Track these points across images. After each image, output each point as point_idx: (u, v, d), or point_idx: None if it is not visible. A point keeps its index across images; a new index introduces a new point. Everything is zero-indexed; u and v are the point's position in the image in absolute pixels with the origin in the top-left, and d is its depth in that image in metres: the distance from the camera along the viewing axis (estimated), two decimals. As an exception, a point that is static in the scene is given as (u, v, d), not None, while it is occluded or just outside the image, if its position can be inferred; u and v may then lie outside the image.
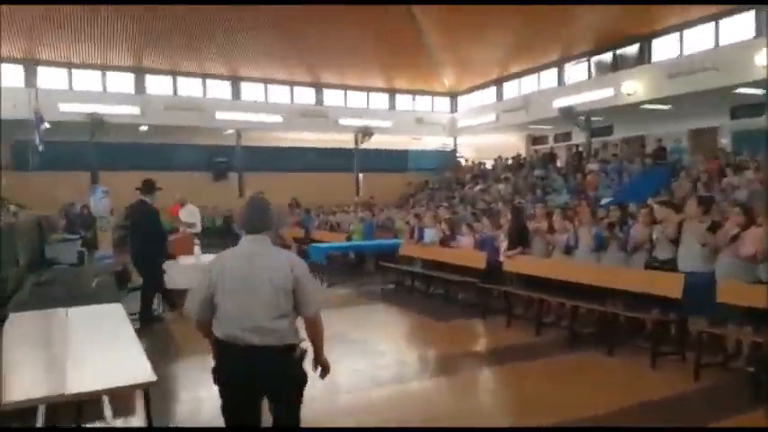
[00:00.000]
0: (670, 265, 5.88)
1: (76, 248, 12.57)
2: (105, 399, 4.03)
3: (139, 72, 19.82)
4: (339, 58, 21.66)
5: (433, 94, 25.53)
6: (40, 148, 11.79)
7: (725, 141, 16.18)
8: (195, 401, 4.87)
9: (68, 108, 17.74)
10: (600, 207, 9.34)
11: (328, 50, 20.92)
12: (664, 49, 16.80)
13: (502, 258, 7.94)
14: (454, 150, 26.44)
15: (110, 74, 19.52)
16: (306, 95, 23.05)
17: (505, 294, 7.59)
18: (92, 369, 3.32)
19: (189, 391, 5.18)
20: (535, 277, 7.28)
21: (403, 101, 25.19)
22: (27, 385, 2.99)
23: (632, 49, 17.82)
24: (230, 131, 21.13)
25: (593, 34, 17.85)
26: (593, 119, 18.12)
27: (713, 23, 15.25)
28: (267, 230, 2.89)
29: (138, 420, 4.22)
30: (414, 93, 25.22)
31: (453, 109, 25.92)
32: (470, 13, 18.09)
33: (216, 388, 2.85)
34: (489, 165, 23.12)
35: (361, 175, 22.69)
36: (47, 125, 17.38)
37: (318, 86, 23.11)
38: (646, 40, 17.25)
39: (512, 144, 24.82)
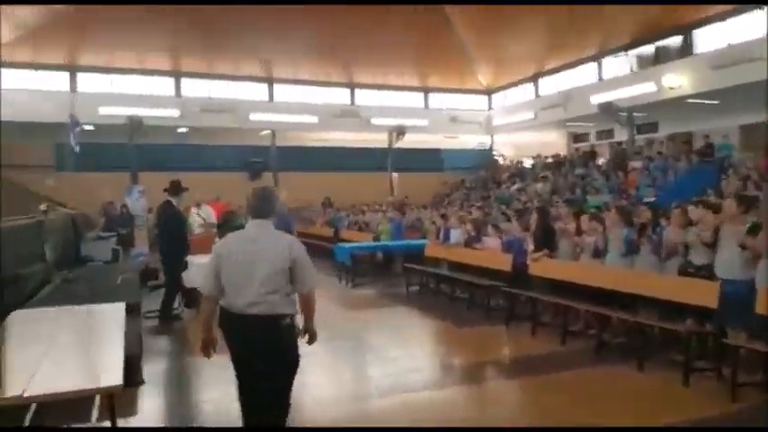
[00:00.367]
0: (706, 272, 5.41)
1: (111, 246, 12.91)
2: (97, 399, 3.96)
3: (177, 75, 20.24)
4: (373, 58, 21.56)
5: (469, 91, 25.10)
6: (76, 149, 12.10)
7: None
8: (194, 400, 4.80)
9: (109, 111, 18.27)
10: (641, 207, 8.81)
11: (362, 50, 20.84)
12: (708, 39, 15.89)
13: (529, 261, 7.60)
14: (491, 149, 25.91)
15: (149, 78, 20.05)
16: (339, 95, 23.04)
17: (531, 300, 7.23)
18: (62, 371, 3.24)
19: (191, 389, 5.18)
20: (562, 282, 6.91)
21: (437, 99, 24.87)
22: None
23: (674, 41, 16.95)
24: (266, 132, 21.31)
25: (632, 26, 17.09)
26: (637, 115, 17.34)
27: (762, 11, 14.28)
28: (270, 216, 3.27)
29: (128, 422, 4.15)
30: (448, 91, 24.85)
31: (489, 107, 25.39)
32: (506, 9, 17.65)
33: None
34: (528, 164, 22.52)
35: (395, 175, 22.50)
36: (88, 127, 17.99)
37: (352, 86, 23.05)
38: (688, 31, 16.37)
39: (552, 142, 24.12)
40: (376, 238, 12.47)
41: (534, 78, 22.53)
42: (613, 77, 18.55)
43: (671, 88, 15.36)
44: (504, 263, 8.02)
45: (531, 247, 7.73)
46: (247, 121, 20.58)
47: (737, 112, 15.52)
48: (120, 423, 4.33)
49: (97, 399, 3.95)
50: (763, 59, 12.66)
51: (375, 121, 22.58)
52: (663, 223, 6.42)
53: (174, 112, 19.56)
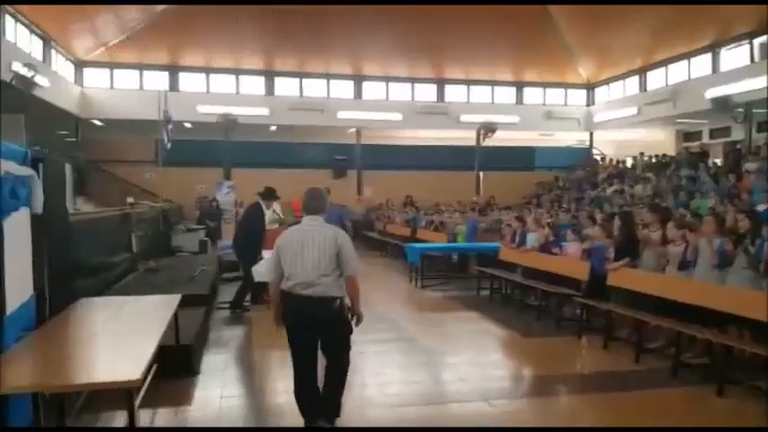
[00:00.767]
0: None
1: (200, 238, 13.66)
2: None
3: (269, 74, 20.88)
4: (464, 52, 20.92)
5: (567, 85, 23.69)
6: (168, 146, 12.86)
7: None
8: (246, 391, 4.84)
9: (205, 110, 19.32)
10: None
11: (452, 44, 20.32)
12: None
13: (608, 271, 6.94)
14: (590, 147, 24.39)
15: (243, 77, 20.80)
16: (427, 92, 22.64)
17: (607, 313, 6.60)
18: (91, 361, 3.31)
19: (245, 382, 5.25)
20: (642, 295, 6.23)
21: (532, 94, 23.68)
22: (21, 373, 3.03)
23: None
24: (352, 130, 21.51)
25: (755, 12, 15.16)
26: (756, 111, 15.47)
27: None
28: (321, 212, 3.85)
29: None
30: (544, 85, 23.60)
31: (590, 102, 23.87)
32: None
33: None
34: (630, 163, 20.97)
35: (482, 174, 21.85)
36: (187, 124, 19.13)
37: (441, 82, 22.59)
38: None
39: (659, 141, 22.28)
40: (451, 239, 12.11)
41: (641, 71, 20.80)
42: (731, 70, 16.58)
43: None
44: (582, 271, 7.40)
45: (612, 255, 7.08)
46: (335, 118, 20.83)
47: None
48: (172, 411, 4.48)
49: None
50: None
51: (464, 117, 21.99)
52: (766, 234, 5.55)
53: (264, 111, 20.16)
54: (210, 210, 15.89)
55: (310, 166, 20.42)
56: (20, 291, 3.71)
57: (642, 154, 20.35)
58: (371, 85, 22.05)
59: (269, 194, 8.37)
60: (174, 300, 5.01)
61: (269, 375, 5.52)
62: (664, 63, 19.66)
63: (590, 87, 23.66)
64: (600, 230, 8.02)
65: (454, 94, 22.83)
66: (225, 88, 20.53)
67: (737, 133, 17.41)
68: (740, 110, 15.20)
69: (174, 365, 5.05)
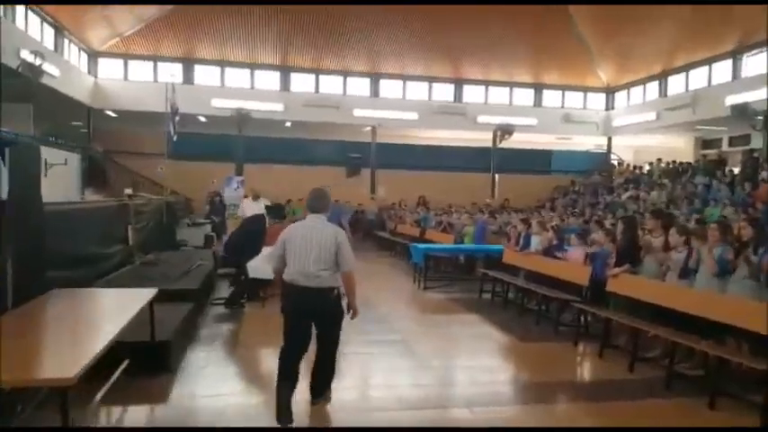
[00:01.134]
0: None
1: (204, 233, 13.63)
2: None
3: (285, 70, 20.83)
4: (483, 52, 20.69)
5: (587, 89, 23.27)
6: (174, 138, 12.85)
7: None
8: (221, 392, 4.75)
9: (220, 104, 19.34)
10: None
11: (471, 44, 20.12)
12: None
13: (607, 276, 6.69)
14: (607, 152, 23.91)
15: (258, 72, 20.75)
16: (444, 92, 22.39)
17: (604, 319, 6.34)
18: (28, 357, 3.20)
19: (222, 381, 5.11)
20: (641, 302, 5.97)
21: (550, 96, 23.30)
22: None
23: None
24: (368, 128, 21.36)
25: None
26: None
27: None
28: (324, 211, 4.21)
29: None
30: (564, 88, 23.21)
31: (609, 106, 23.40)
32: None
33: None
34: (647, 169, 20.48)
35: (497, 176, 21.57)
36: (201, 118, 19.20)
37: (458, 82, 22.32)
38: None
39: (679, 147, 21.77)
40: (458, 240, 11.89)
41: (661, 76, 20.31)
42: (753, 76, 16.05)
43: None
44: (583, 276, 7.17)
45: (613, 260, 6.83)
46: (351, 116, 20.72)
47: None
48: (147, 410, 4.38)
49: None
50: None
51: (481, 118, 21.72)
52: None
53: (279, 107, 20.14)
54: (215, 205, 15.87)
55: (324, 163, 20.35)
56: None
57: (659, 160, 19.88)
58: (388, 83, 21.88)
59: (277, 212, 8.86)
60: (147, 294, 4.89)
61: (249, 375, 5.41)
62: (684, 68, 19.19)
63: (610, 91, 23.22)
64: (603, 235, 7.77)
65: (472, 94, 22.57)
66: (240, 83, 20.51)
67: (757, 141, 16.86)
68: (759, 118, 14.69)
69: (149, 362, 4.94)
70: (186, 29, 18.65)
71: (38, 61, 13.56)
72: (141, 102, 18.06)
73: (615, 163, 23.56)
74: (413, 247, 11.04)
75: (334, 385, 4.48)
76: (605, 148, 23.86)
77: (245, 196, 9.52)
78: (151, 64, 19.94)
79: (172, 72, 16.31)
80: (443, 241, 12.24)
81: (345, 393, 4.74)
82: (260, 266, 8.13)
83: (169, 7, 17.50)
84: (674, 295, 5.59)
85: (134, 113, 18.56)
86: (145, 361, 4.95)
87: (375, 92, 21.65)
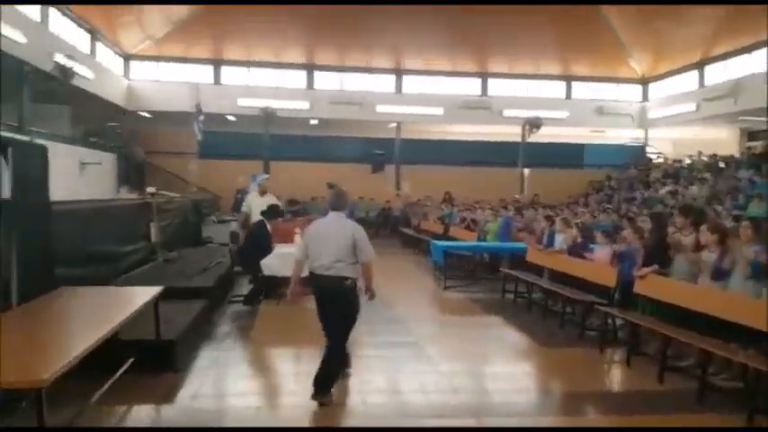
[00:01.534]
0: None
1: (230, 230, 13.68)
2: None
3: (310, 68, 20.78)
4: (508, 45, 20.21)
5: (620, 80, 22.50)
6: (199, 137, 12.91)
7: None
8: (224, 392, 4.64)
9: (247, 103, 19.45)
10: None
11: (497, 37, 19.66)
12: None
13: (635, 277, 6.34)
14: (644, 145, 23.10)
15: (284, 71, 20.76)
16: (470, 86, 21.97)
17: (632, 324, 6.01)
18: (11, 356, 3.12)
19: (227, 380, 5.08)
20: (671, 306, 5.61)
21: (581, 88, 22.60)
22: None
23: None
24: (393, 124, 21.16)
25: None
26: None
27: None
28: (343, 209, 4.72)
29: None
30: (595, 79, 22.49)
31: (645, 97, 22.58)
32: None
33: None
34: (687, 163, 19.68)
35: (526, 171, 21.05)
36: (231, 118, 19.33)
37: (484, 75, 21.88)
38: None
39: (721, 139, 20.76)
40: (481, 237, 11.59)
41: (699, 65, 19.45)
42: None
43: None
44: (608, 277, 6.82)
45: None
46: (374, 113, 20.54)
47: None
48: (152, 409, 4.33)
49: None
50: None
51: (507, 112, 21.25)
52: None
53: (304, 105, 20.12)
54: (238, 202, 15.98)
55: (348, 160, 20.25)
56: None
57: (700, 153, 19.05)
58: (412, 78, 21.61)
59: (273, 213, 8.44)
60: (151, 291, 4.84)
61: (254, 375, 5.32)
62: (724, 57, 18.29)
63: (644, 82, 22.39)
64: (632, 233, 7.38)
65: (498, 88, 22.08)
66: (266, 81, 20.56)
67: (809, 132, 15.97)
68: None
69: (153, 361, 4.90)
70: (214, 31, 18.82)
71: (69, 64, 13.84)
72: (172, 102, 18.34)
73: (652, 156, 22.74)
74: (432, 244, 10.80)
75: (335, 389, 4.39)
76: (642, 140, 23.06)
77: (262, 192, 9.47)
78: (181, 65, 20.21)
79: (200, 78, 16.45)
80: (466, 238, 11.95)
81: (346, 397, 4.61)
82: (274, 264, 8.08)
83: (198, 9, 17.63)
84: (704, 298, 5.22)
85: (166, 114, 18.84)
86: (150, 359, 4.92)
87: (399, 88, 21.42)
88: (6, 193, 3.89)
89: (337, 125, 20.70)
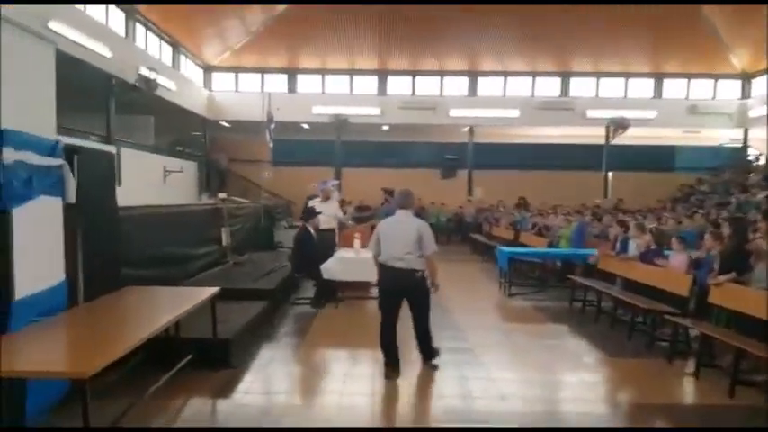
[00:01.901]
0: None
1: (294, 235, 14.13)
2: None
3: (382, 74, 20.94)
4: (592, 42, 19.31)
5: (717, 76, 20.88)
6: (270, 145, 13.45)
7: None
8: (276, 389, 4.78)
9: (320, 110, 19.98)
10: None
11: (579, 34, 18.84)
12: None
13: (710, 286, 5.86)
14: (744, 146, 21.27)
15: (356, 78, 21.05)
16: (549, 86, 21.22)
17: (703, 335, 5.54)
18: (63, 350, 3.37)
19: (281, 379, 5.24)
20: (747, 316, 5.13)
21: (673, 86, 21.19)
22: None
23: None
24: (466, 129, 20.88)
25: None
26: None
27: None
28: (410, 208, 5.32)
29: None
30: (688, 76, 21.02)
31: (746, 94, 20.80)
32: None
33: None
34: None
35: (610, 174, 20.06)
36: (304, 125, 19.91)
37: (565, 75, 21.06)
38: None
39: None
40: (554, 244, 11.15)
41: (810, 57, 17.66)
42: None
43: None
44: (682, 285, 6.34)
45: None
46: (447, 117, 20.38)
47: None
48: (202, 403, 4.54)
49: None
50: None
51: (591, 113, 20.34)
52: None
53: (376, 111, 20.28)
54: (305, 207, 16.50)
55: (420, 165, 20.23)
56: (41, 276, 3.96)
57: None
58: (487, 80, 21.20)
59: (309, 214, 8.79)
60: (208, 291, 5.08)
61: (305, 374, 5.43)
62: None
63: (746, 78, 20.64)
64: (711, 239, 6.84)
65: (580, 88, 21.19)
66: (339, 89, 20.95)
67: None
68: None
69: (210, 358, 5.17)
70: (289, 40, 19.44)
71: (152, 75, 14.88)
72: (249, 112, 19.18)
73: (752, 158, 20.89)
74: (498, 250, 10.52)
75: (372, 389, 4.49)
76: (741, 141, 21.24)
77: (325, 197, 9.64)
78: (258, 76, 21.04)
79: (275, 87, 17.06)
80: (536, 245, 11.54)
81: (384, 403, 4.60)
82: (333, 268, 8.23)
83: (274, 20, 18.34)
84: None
85: (244, 123, 19.76)
86: (207, 357, 5.19)
87: (473, 90, 21.07)
88: (72, 199, 4.23)
89: (409, 130, 20.74)
